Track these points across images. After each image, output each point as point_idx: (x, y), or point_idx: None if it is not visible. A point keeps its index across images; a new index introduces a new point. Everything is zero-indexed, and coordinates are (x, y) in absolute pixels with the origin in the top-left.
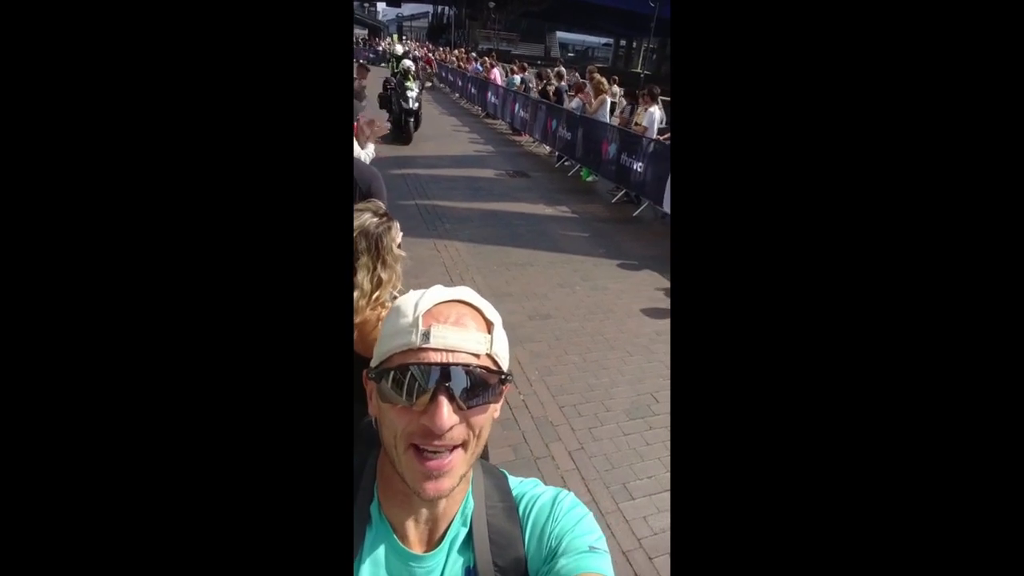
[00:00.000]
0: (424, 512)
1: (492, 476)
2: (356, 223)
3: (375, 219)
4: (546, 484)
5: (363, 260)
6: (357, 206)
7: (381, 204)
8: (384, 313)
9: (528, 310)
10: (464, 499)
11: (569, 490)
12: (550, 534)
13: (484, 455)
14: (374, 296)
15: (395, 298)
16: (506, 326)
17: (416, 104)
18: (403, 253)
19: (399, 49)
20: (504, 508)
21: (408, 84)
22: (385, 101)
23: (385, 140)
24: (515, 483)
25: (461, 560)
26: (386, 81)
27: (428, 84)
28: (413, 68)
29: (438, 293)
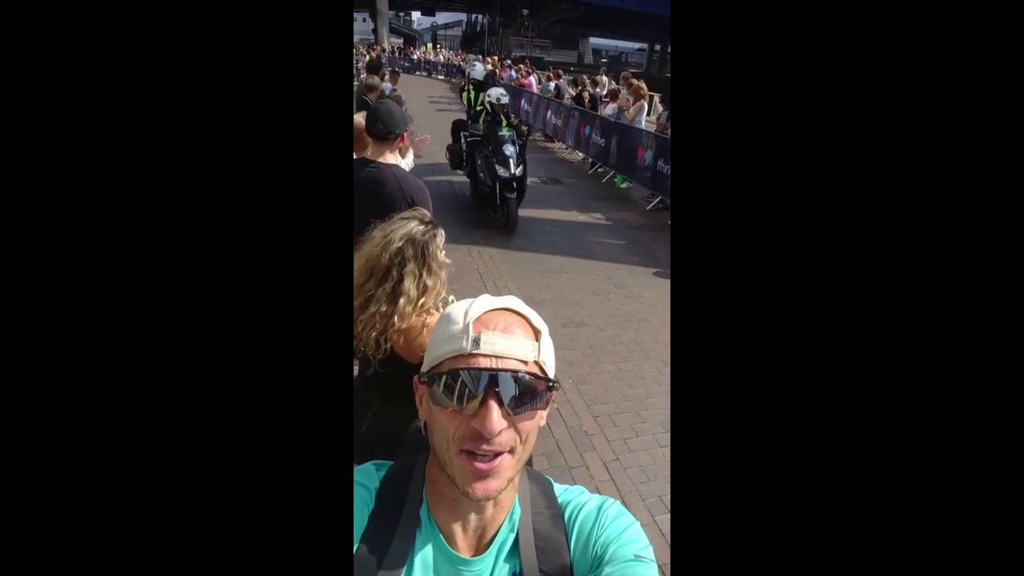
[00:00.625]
0: (473, 517)
1: (538, 483)
2: (403, 231)
3: (421, 227)
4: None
5: (410, 267)
6: (403, 214)
7: (427, 212)
8: (430, 320)
9: (562, 317)
10: (512, 506)
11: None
12: (596, 542)
13: (528, 463)
14: (420, 303)
15: (439, 307)
16: None
17: (520, 167)
18: (448, 261)
19: (479, 70)
20: (550, 515)
21: (503, 132)
22: (460, 159)
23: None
24: (560, 490)
25: (508, 566)
26: (458, 125)
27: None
28: (506, 101)
29: (487, 302)
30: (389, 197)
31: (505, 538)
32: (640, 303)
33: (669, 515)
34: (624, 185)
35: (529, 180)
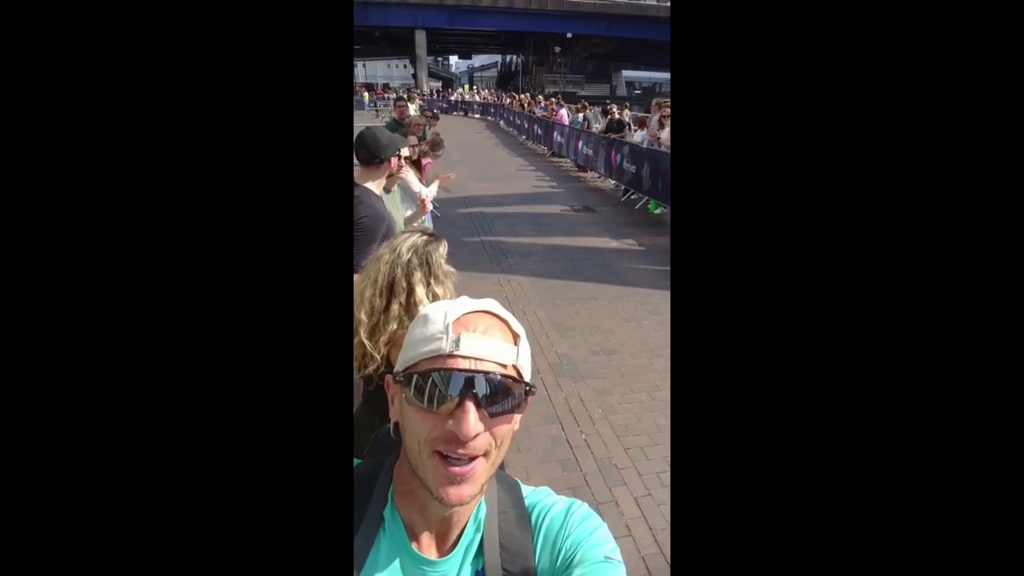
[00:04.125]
0: (438, 517)
1: (505, 483)
2: (408, 243)
3: (423, 237)
4: (611, 533)
5: (418, 275)
6: (403, 230)
7: (428, 227)
8: None
9: (591, 345)
10: (477, 506)
11: (630, 539)
12: (563, 545)
13: (500, 466)
14: None
15: None
16: (568, 361)
17: None
18: (453, 270)
19: None
20: (516, 515)
21: None
22: None
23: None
24: (527, 491)
25: (472, 567)
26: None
27: None
28: None
29: (467, 303)
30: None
31: (471, 538)
32: None
33: None
34: (658, 211)
35: (560, 208)
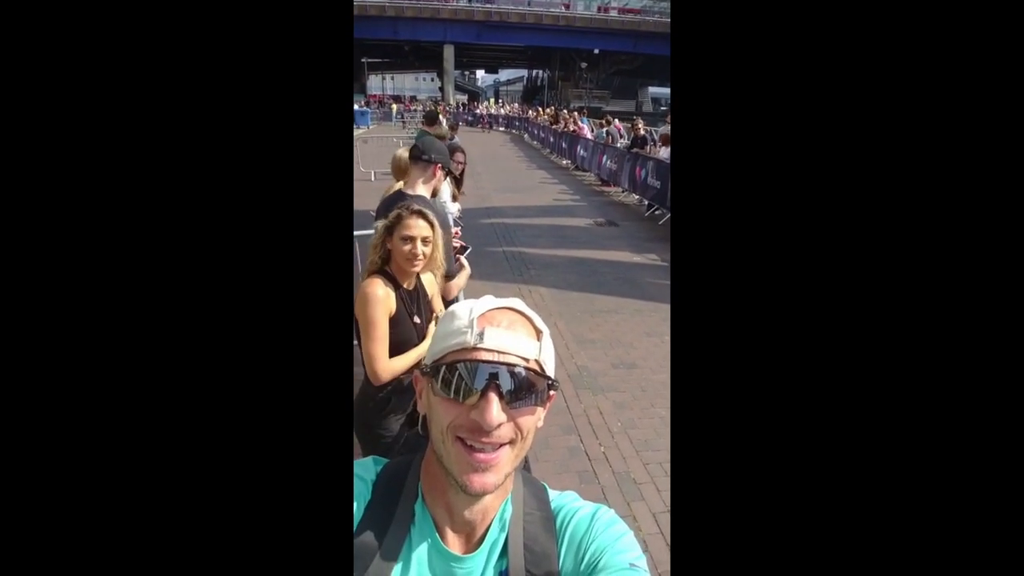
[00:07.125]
0: (464, 513)
1: (531, 485)
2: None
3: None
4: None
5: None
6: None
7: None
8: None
9: (612, 358)
10: (503, 505)
11: (647, 555)
12: (587, 550)
13: (526, 468)
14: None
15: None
16: (588, 373)
17: None
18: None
19: None
20: (541, 517)
21: None
22: None
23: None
24: (553, 495)
25: (497, 567)
26: None
27: None
28: None
29: (492, 301)
30: None
31: (496, 537)
32: None
33: None
34: None
35: (582, 222)
